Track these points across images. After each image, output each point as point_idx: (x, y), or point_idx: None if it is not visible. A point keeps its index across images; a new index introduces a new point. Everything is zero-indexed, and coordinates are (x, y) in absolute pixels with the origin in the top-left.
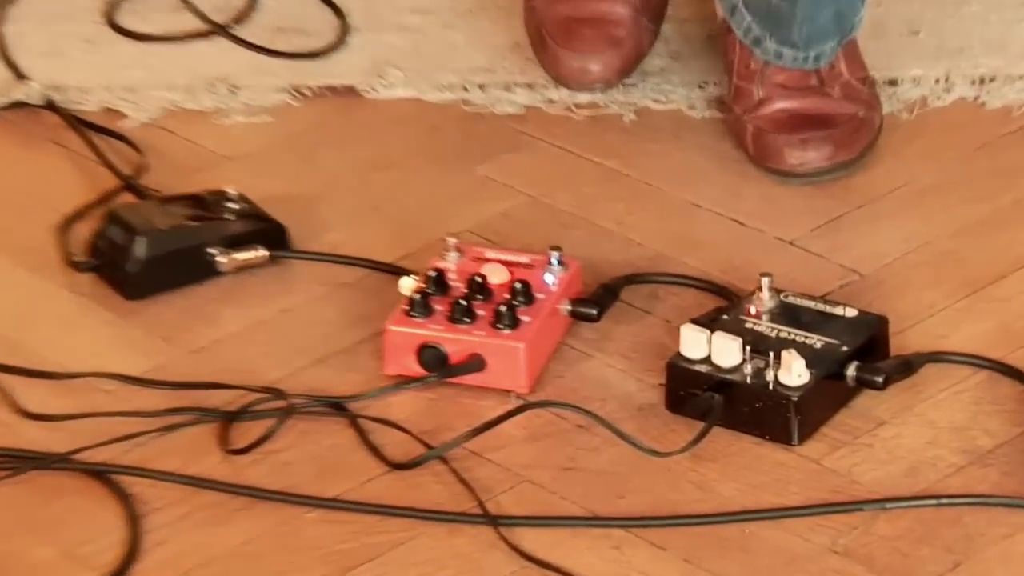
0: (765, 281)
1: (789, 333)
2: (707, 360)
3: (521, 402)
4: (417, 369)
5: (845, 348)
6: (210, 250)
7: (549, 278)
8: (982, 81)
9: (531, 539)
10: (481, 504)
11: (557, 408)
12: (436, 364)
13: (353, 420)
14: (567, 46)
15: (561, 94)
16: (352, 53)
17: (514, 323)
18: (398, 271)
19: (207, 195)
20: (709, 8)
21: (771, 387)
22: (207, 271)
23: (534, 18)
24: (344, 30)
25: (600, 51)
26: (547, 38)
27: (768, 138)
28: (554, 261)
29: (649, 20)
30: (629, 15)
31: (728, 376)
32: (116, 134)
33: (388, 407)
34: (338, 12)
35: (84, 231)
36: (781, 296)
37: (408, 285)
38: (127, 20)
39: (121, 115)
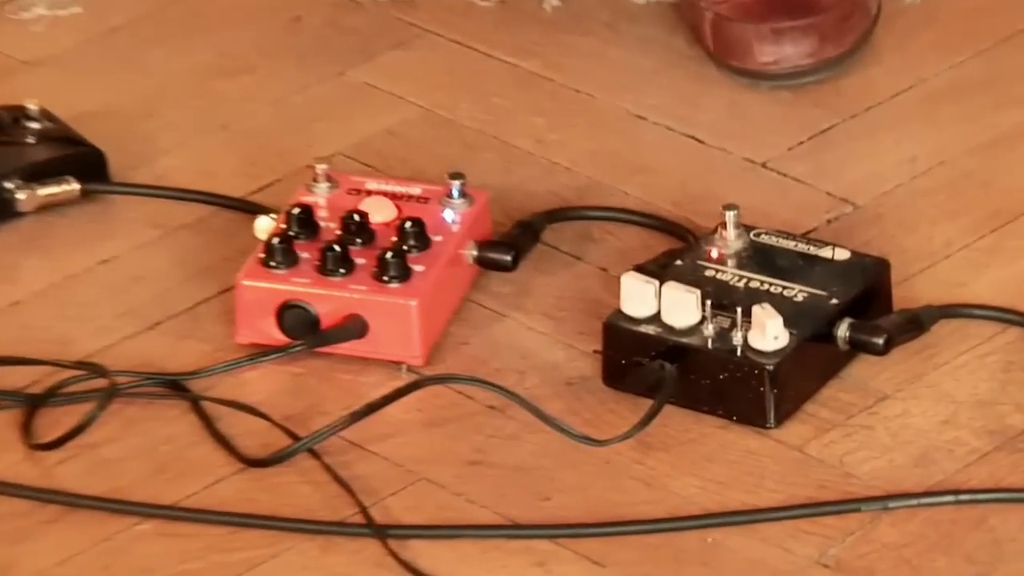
0: (730, 215)
1: (762, 283)
2: (656, 319)
3: (415, 377)
4: (278, 336)
5: (835, 301)
6: (6, 184)
7: (449, 215)
8: None
9: (429, 555)
10: (364, 510)
11: (461, 384)
12: (303, 329)
13: (195, 403)
14: None
15: None
16: None
17: (404, 274)
18: (252, 208)
19: (1, 112)
20: None
21: (739, 353)
22: (2, 210)
23: None
24: None
25: None
26: None
27: (733, 29)
28: (455, 193)
29: None
30: None
31: (683, 339)
32: None
33: (241, 386)
34: None
35: None
36: (751, 235)
37: (265, 226)
38: None
39: None
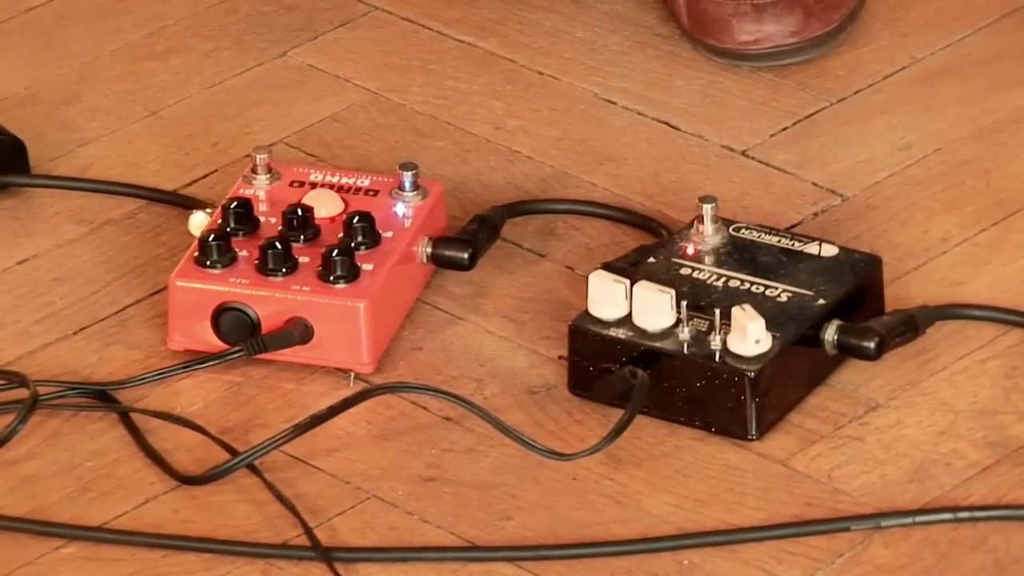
0: (707, 209)
1: (742, 282)
2: (626, 321)
3: (363, 386)
4: (215, 341)
5: (822, 301)
6: None
7: (400, 209)
8: None
9: None
10: (308, 531)
11: (414, 393)
12: (241, 333)
13: (124, 415)
14: None
15: None
16: None
17: (351, 273)
18: (185, 202)
19: None
20: None
21: (717, 358)
22: None
23: None
24: None
25: None
26: None
27: (709, 4)
28: (407, 184)
29: None
30: None
31: (656, 344)
32: None
33: (174, 396)
34: None
35: None
36: (731, 229)
37: (200, 222)
38: None
39: None
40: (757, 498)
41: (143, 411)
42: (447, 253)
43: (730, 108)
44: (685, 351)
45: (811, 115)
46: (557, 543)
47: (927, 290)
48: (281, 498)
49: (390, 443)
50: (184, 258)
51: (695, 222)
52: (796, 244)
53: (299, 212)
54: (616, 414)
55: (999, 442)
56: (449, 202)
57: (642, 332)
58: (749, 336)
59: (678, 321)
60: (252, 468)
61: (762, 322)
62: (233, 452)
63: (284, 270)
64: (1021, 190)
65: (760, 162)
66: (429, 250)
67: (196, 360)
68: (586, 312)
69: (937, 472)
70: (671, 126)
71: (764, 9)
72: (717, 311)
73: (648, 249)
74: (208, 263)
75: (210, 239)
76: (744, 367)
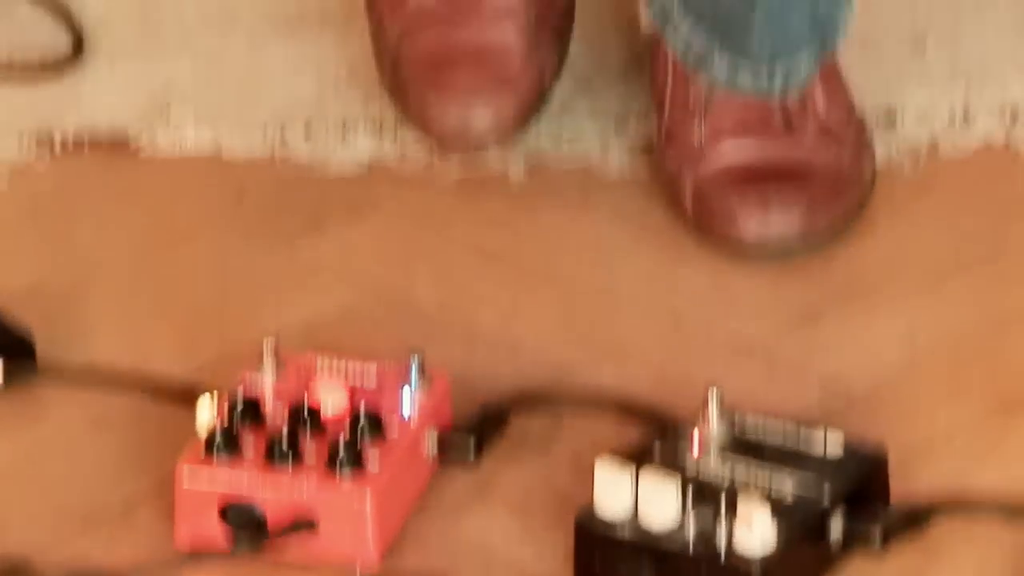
0: (713, 401)
1: (748, 474)
2: (632, 518)
3: None
4: (221, 534)
5: (828, 494)
6: None
7: (406, 400)
8: (1014, 116)
9: None
10: None
11: None
12: (248, 527)
13: None
14: (438, 91)
15: (422, 142)
16: (119, 86)
17: (357, 467)
18: (191, 396)
19: None
20: (632, 12)
21: (723, 555)
22: None
23: (387, 49)
24: (83, 51)
25: (486, 95)
26: (409, 81)
27: (715, 199)
28: (413, 374)
29: (550, 42)
30: (522, 43)
31: (663, 543)
32: None
33: None
34: (78, 33)
35: None
36: (736, 422)
37: (206, 416)
38: None
39: None
40: None
41: None
42: (453, 445)
43: (736, 301)
44: (691, 549)
45: (816, 308)
46: None
47: (933, 483)
48: None
49: None
50: (191, 451)
51: (701, 415)
52: (802, 436)
53: (305, 406)
54: None
55: None
56: (455, 393)
57: (647, 529)
58: (755, 530)
59: (683, 515)
60: None
61: (768, 515)
62: None
63: (290, 464)
64: None
65: (765, 355)
66: (435, 442)
67: (204, 553)
68: (592, 506)
69: None
70: (676, 319)
71: (770, 204)
72: (723, 504)
73: (654, 442)
74: (215, 458)
75: (216, 433)
76: (749, 563)
